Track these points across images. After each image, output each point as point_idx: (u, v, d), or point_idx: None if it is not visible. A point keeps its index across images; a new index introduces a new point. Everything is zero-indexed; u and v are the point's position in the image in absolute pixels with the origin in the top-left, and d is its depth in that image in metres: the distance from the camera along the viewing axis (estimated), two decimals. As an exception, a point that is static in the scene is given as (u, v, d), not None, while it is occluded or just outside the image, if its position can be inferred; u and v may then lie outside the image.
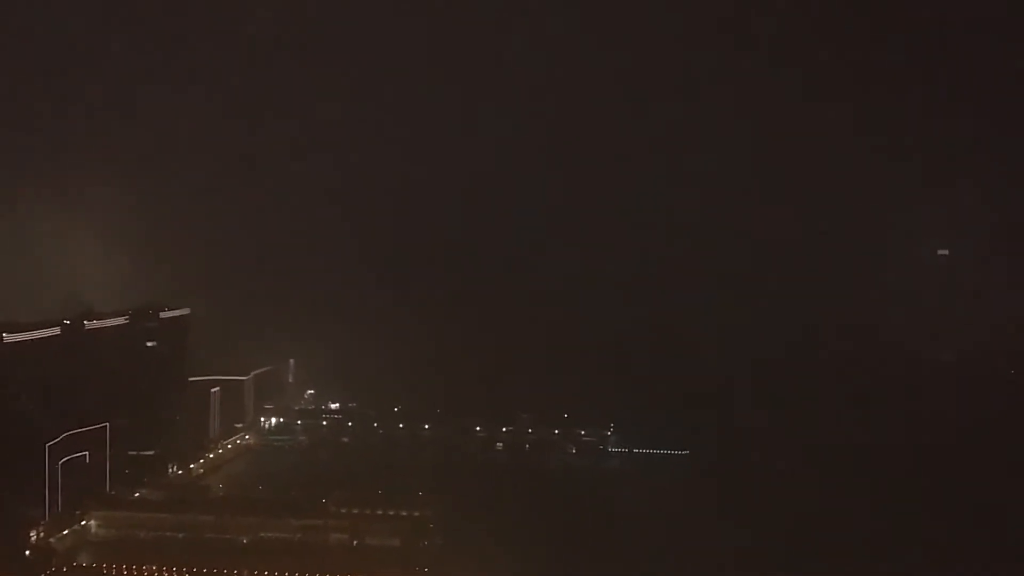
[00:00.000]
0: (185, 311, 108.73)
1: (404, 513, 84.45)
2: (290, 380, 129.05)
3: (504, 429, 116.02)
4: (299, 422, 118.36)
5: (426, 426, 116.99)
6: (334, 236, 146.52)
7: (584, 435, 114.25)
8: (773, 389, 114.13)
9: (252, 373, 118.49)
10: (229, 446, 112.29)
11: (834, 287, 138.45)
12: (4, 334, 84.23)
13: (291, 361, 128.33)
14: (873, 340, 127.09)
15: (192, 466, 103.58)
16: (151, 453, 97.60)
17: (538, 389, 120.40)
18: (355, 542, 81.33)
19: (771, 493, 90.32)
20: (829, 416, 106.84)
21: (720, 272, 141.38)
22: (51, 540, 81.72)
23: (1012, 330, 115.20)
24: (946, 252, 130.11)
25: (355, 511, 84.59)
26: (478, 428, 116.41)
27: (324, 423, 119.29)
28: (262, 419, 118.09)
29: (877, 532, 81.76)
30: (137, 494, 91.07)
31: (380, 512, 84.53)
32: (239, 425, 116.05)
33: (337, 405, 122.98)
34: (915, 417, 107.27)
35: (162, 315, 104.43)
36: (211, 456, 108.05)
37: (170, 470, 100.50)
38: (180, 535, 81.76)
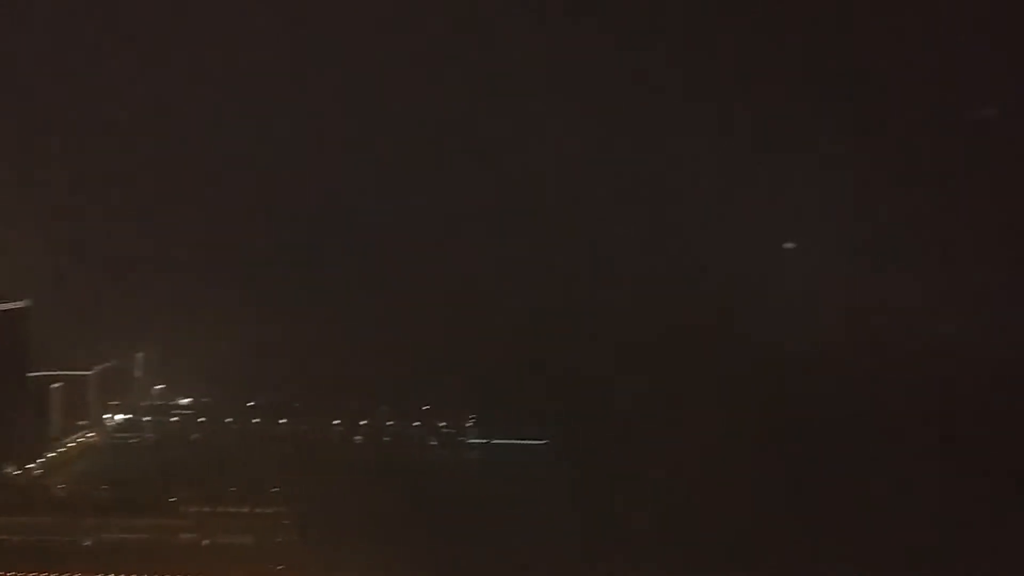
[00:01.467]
0: (25, 303, 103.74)
1: (258, 510, 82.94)
2: (138, 375, 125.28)
3: (363, 422, 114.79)
4: (147, 418, 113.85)
5: (282, 420, 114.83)
6: (189, 228, 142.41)
7: (444, 426, 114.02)
8: (637, 379, 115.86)
9: (96, 368, 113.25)
10: (71, 444, 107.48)
11: (689, 281, 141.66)
12: None
13: (139, 355, 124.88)
14: (727, 333, 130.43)
15: (30, 466, 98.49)
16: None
17: (398, 380, 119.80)
18: (206, 541, 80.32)
19: (624, 487, 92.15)
20: (690, 408, 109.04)
21: (579, 263, 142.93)
22: None
23: (861, 322, 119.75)
24: (792, 245, 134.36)
25: (206, 509, 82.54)
26: (336, 421, 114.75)
27: (174, 419, 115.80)
28: (107, 416, 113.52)
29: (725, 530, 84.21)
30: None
31: (232, 510, 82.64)
32: (82, 422, 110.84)
33: (188, 400, 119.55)
34: (772, 412, 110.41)
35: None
36: (51, 455, 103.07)
37: (5, 470, 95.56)
38: (17, 539, 78.93)
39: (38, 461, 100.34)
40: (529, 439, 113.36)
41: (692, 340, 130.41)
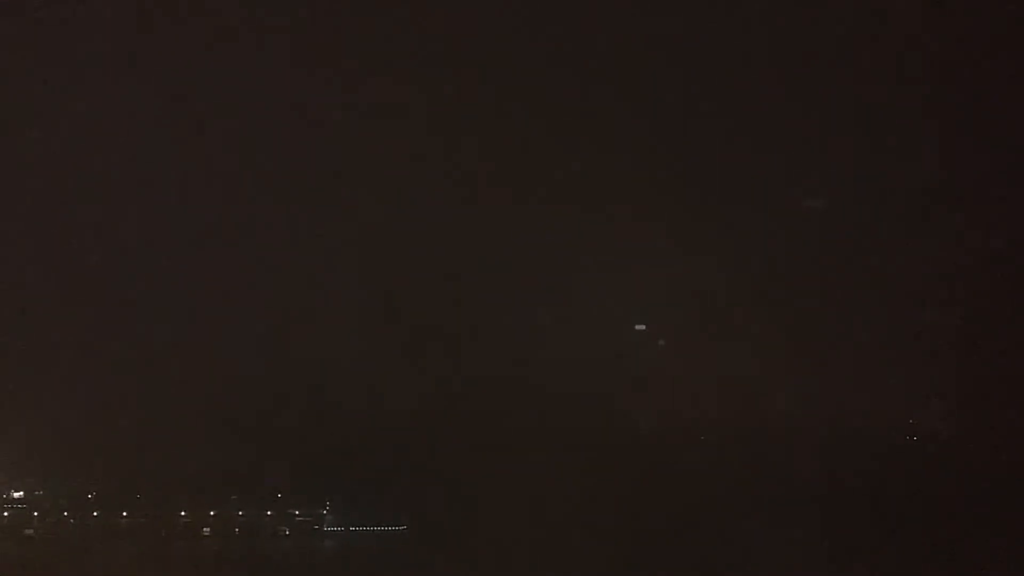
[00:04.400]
0: None
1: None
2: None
3: (211, 513, 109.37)
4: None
5: (124, 513, 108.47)
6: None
7: (298, 515, 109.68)
8: (498, 458, 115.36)
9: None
10: None
11: (535, 359, 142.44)
12: None
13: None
14: (575, 409, 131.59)
15: None
16: None
17: (249, 466, 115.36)
18: None
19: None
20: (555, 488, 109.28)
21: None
22: None
23: (705, 403, 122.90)
24: (644, 327, 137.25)
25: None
26: (182, 512, 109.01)
27: (5, 514, 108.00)
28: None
29: None
30: None
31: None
32: None
33: (21, 494, 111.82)
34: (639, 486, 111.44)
35: None
36: None
37: None
38: None
39: None
40: (387, 525, 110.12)
41: (551, 419, 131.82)
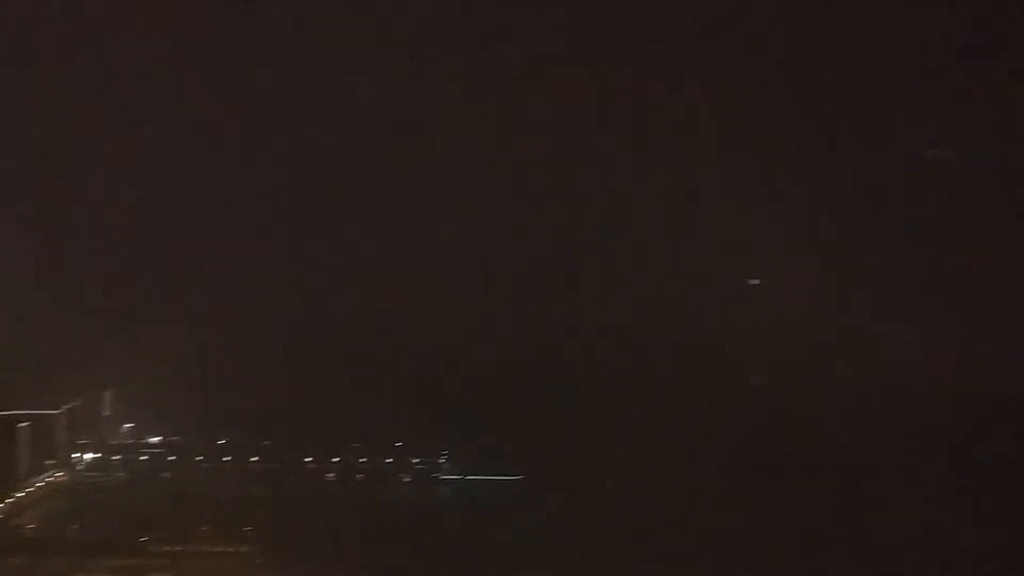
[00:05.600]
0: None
1: (230, 549, 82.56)
2: (106, 413, 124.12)
3: (335, 459, 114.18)
4: (116, 457, 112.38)
5: (253, 458, 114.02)
6: (158, 266, 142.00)
7: (417, 463, 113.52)
8: (603, 405, 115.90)
9: (64, 406, 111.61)
10: (39, 484, 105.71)
11: (651, 311, 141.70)
12: None
13: (107, 393, 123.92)
14: (693, 366, 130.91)
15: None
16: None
17: (370, 415, 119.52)
18: None
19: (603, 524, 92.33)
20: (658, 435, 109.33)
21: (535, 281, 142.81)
22: None
23: (823, 358, 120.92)
24: (757, 281, 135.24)
25: (178, 549, 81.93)
26: (308, 459, 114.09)
27: (144, 458, 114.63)
28: (75, 455, 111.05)
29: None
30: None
31: (204, 549, 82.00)
32: (50, 462, 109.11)
33: (158, 439, 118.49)
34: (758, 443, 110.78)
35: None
36: (19, 495, 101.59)
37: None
38: (-14, 581, 79.88)
39: (6, 501, 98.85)
40: (504, 475, 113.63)
41: (672, 373, 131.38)
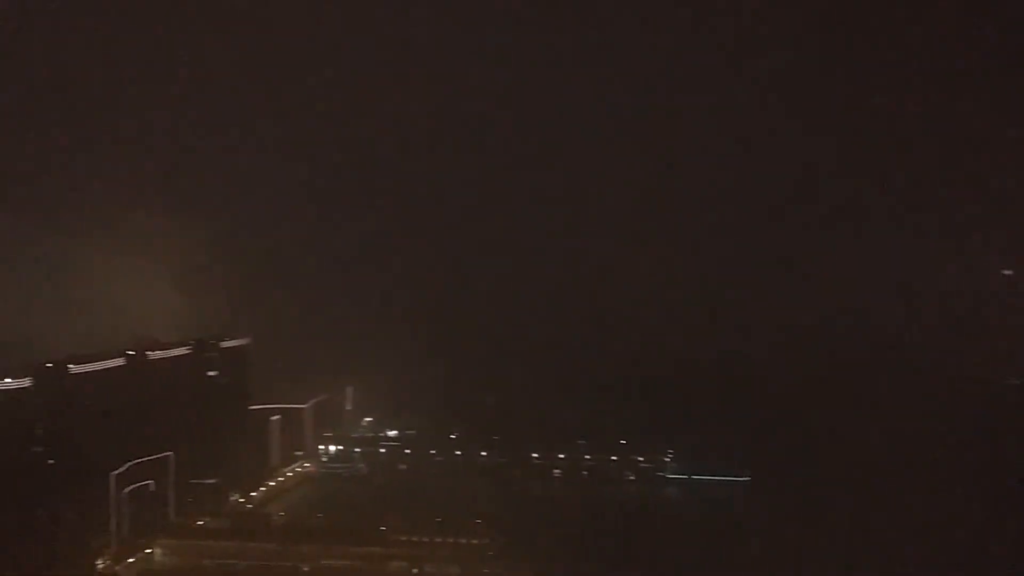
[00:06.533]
0: (245, 340, 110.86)
1: (463, 541, 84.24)
2: (348, 408, 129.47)
3: (560, 456, 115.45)
4: (357, 450, 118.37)
5: (483, 453, 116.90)
6: (398, 272, 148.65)
7: (642, 461, 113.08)
8: (834, 410, 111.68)
9: (311, 401, 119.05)
10: (289, 474, 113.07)
11: (892, 304, 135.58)
12: (71, 365, 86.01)
13: (349, 389, 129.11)
14: (939, 364, 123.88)
15: (253, 494, 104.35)
16: (213, 481, 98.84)
17: (595, 414, 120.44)
18: (415, 570, 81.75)
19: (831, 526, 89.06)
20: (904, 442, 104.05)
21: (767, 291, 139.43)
22: (117, 569, 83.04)
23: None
24: (1010, 272, 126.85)
25: (414, 539, 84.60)
26: (535, 455, 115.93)
27: (382, 451, 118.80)
28: (321, 447, 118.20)
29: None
30: (200, 522, 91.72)
31: (439, 540, 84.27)
32: (299, 453, 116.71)
33: (395, 432, 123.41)
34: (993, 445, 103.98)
35: (223, 345, 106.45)
36: (272, 484, 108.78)
37: (231, 498, 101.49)
38: (243, 563, 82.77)
39: (260, 490, 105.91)
40: (729, 476, 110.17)
41: (898, 373, 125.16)
